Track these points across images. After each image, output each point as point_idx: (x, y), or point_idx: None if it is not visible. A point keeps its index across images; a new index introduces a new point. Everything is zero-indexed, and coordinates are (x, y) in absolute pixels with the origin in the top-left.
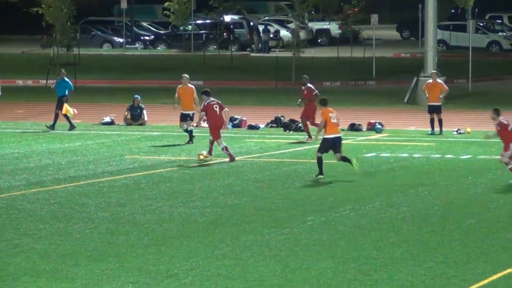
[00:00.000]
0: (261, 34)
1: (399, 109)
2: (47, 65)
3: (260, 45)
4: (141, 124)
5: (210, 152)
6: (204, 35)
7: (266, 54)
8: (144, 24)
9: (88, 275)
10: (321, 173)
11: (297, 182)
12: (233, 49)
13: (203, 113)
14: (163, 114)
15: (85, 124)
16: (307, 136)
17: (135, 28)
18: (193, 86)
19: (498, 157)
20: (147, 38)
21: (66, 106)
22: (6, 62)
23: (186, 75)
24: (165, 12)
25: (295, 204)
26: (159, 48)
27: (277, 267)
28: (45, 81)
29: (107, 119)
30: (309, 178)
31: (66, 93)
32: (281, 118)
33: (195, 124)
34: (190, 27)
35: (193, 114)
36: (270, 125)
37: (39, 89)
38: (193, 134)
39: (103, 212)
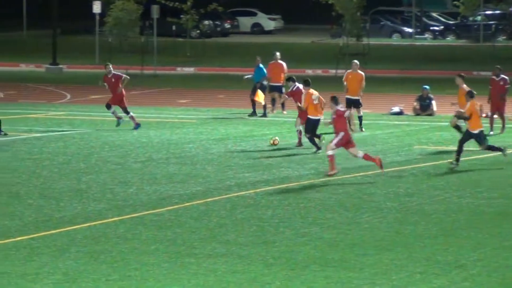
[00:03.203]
0: None
1: None
2: (336, 55)
3: None
4: (430, 115)
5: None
6: (493, 26)
7: None
8: (434, 14)
9: (376, 265)
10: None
11: None
12: None
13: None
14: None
15: (374, 114)
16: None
17: (424, 19)
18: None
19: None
20: (436, 28)
21: (259, 93)
22: (297, 52)
23: (356, 61)
24: (454, 2)
25: None
26: (448, 38)
27: None
28: (334, 71)
29: (396, 109)
30: None
31: (260, 79)
32: None
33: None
34: (479, 17)
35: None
36: None
37: (328, 78)
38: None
39: (391, 202)
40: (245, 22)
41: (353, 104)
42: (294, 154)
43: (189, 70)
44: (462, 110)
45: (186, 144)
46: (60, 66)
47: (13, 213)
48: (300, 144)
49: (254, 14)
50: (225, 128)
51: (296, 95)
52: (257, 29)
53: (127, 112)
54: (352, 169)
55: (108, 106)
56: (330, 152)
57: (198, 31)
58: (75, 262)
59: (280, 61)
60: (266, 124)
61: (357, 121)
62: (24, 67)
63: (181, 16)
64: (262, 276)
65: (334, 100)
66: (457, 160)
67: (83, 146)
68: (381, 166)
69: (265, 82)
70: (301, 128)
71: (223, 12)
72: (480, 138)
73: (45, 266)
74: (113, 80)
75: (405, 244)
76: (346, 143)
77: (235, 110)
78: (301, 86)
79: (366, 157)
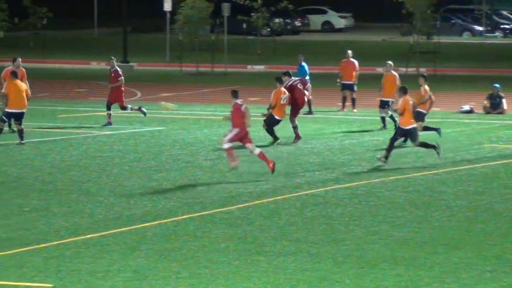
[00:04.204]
0: None
1: None
2: (406, 53)
3: None
4: (500, 113)
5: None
6: None
7: None
8: (504, 12)
9: (446, 263)
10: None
11: None
12: None
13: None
14: None
15: (444, 112)
16: None
17: (495, 17)
18: (396, 74)
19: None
20: (507, 26)
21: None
22: (367, 50)
23: (390, 62)
24: None
25: None
26: None
27: None
28: (404, 69)
29: (466, 107)
30: None
31: (302, 77)
32: None
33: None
34: None
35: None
36: None
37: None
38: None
39: (461, 200)
40: (316, 20)
41: (386, 105)
42: (363, 152)
43: (260, 68)
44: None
45: (255, 142)
46: (131, 64)
47: (83, 211)
48: (298, 138)
49: (325, 12)
50: None
51: (292, 90)
52: (327, 27)
53: (108, 108)
54: (422, 168)
55: (123, 108)
56: (225, 146)
57: (268, 29)
58: (145, 260)
59: (352, 59)
60: (336, 122)
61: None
62: (95, 65)
63: (252, 14)
64: (332, 274)
65: (233, 94)
66: (386, 157)
67: (154, 144)
68: (272, 170)
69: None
70: (296, 123)
71: (293, 10)
72: (412, 135)
73: (115, 263)
74: (112, 75)
75: (475, 242)
76: (242, 138)
77: (305, 108)
78: (296, 81)
79: (261, 155)
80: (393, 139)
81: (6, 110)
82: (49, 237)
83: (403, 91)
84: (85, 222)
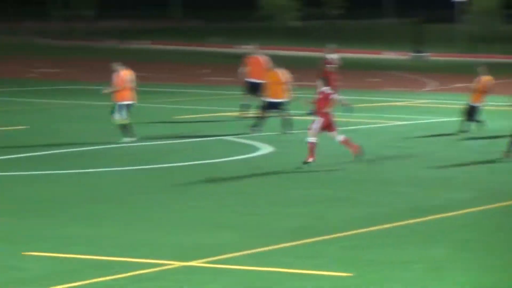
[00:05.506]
0: None
1: None
2: None
3: None
4: None
5: None
6: None
7: None
8: None
9: None
10: None
11: None
12: None
13: None
14: None
15: None
16: None
17: None
18: None
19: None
20: None
21: None
22: None
23: None
24: None
25: None
26: None
27: None
28: None
29: None
30: None
31: None
32: None
33: None
34: None
35: None
36: None
37: None
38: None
39: None
40: None
41: None
42: None
43: None
44: None
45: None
46: (425, 54)
47: (381, 201)
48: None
49: None
50: None
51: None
52: None
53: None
54: None
55: None
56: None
57: None
58: (443, 251)
59: None
60: None
61: None
62: (387, 55)
63: None
64: None
65: (323, 81)
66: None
67: (447, 133)
68: (356, 155)
69: None
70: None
71: None
72: None
73: (413, 254)
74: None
75: None
76: (326, 127)
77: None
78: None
79: (344, 141)
80: None
81: (267, 100)
82: (344, 226)
83: None
84: (382, 212)
